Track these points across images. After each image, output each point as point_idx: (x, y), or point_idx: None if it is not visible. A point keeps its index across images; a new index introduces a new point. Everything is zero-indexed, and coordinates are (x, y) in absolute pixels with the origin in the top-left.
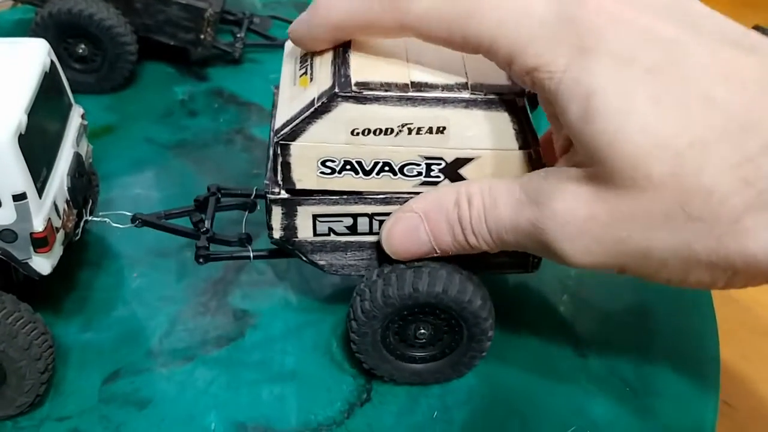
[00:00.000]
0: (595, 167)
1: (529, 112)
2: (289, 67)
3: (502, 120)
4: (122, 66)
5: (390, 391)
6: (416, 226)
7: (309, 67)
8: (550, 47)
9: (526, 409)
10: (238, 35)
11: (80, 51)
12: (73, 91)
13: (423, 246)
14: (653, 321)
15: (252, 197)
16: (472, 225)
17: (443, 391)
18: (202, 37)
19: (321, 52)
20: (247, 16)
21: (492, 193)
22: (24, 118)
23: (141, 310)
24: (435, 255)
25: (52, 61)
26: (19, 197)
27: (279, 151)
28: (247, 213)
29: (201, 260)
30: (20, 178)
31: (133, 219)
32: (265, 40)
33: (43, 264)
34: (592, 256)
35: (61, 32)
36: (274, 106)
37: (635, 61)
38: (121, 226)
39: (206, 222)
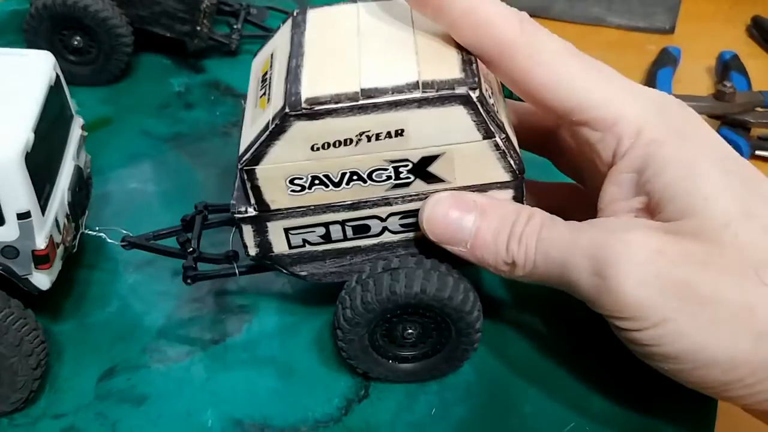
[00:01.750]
0: (681, 220)
1: (486, 102)
2: (253, 87)
3: (459, 114)
4: (118, 58)
5: (388, 388)
6: (467, 212)
7: (268, 87)
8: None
9: (524, 405)
10: (235, 26)
11: (75, 43)
12: (68, 83)
13: (460, 235)
14: None
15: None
16: (522, 234)
17: (441, 387)
18: (198, 28)
19: (278, 71)
20: (244, 7)
21: (555, 218)
22: (31, 137)
23: (136, 306)
24: (460, 251)
25: (57, 75)
26: (23, 216)
27: (246, 177)
28: (234, 229)
29: (189, 281)
30: (25, 197)
31: (123, 240)
32: (262, 32)
33: (42, 280)
34: (645, 290)
35: (56, 24)
36: (241, 123)
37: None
38: (116, 243)
39: (193, 242)
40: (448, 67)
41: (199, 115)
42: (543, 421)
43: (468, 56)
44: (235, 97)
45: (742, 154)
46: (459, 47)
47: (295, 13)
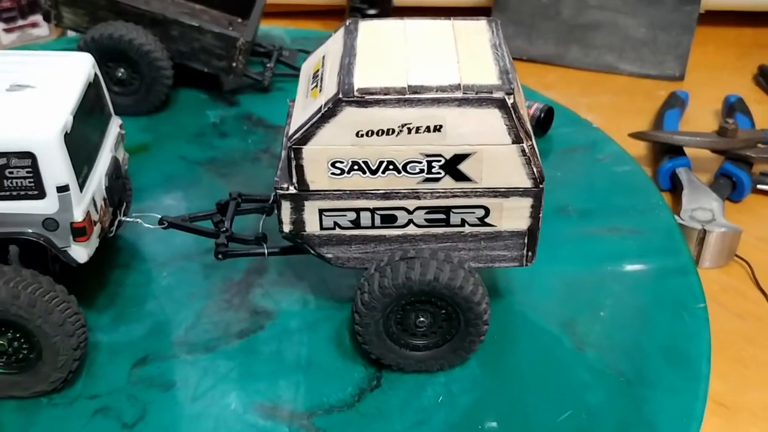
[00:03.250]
0: None
1: (519, 110)
2: (303, 83)
3: (494, 117)
4: (158, 90)
5: (399, 378)
6: None
7: (320, 81)
8: None
9: (526, 396)
10: (268, 65)
11: (120, 74)
12: None
13: None
14: (649, 320)
15: (270, 202)
16: None
17: (448, 379)
18: (234, 65)
19: (331, 67)
20: (277, 48)
21: None
22: (70, 119)
23: (169, 305)
24: None
25: (95, 74)
26: (62, 189)
27: (292, 155)
28: (264, 216)
29: (220, 256)
30: (64, 172)
31: (161, 221)
32: (293, 71)
33: (80, 252)
34: None
35: (103, 56)
36: (288, 116)
37: None
38: (151, 227)
39: (226, 223)
40: (486, 74)
41: (232, 143)
42: (542, 411)
43: (505, 67)
44: (266, 128)
45: (743, 189)
46: (496, 59)
47: (347, 23)
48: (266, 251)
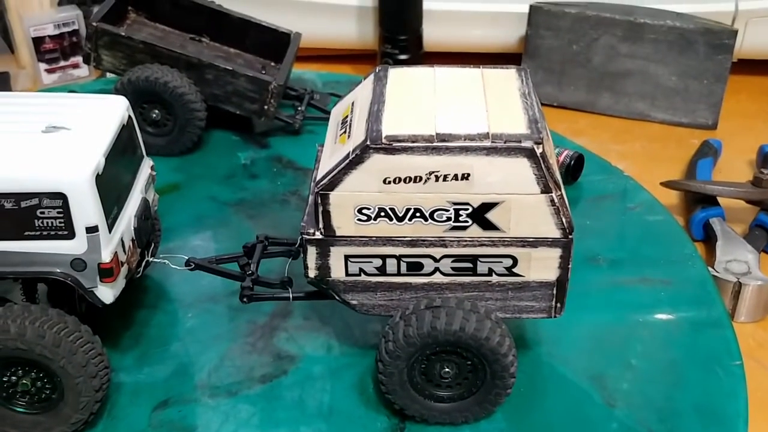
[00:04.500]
0: None
1: (548, 159)
2: (332, 129)
3: (522, 166)
4: (191, 131)
5: (423, 430)
6: None
7: (348, 127)
8: None
9: None
10: (299, 108)
11: (154, 116)
12: (145, 152)
13: None
14: (682, 376)
15: (296, 246)
16: None
17: None
18: (265, 107)
19: (360, 114)
20: (308, 92)
21: None
22: (102, 161)
23: (193, 347)
24: None
25: (129, 116)
26: (91, 229)
27: (319, 201)
28: (290, 260)
29: (245, 299)
30: (94, 213)
31: (187, 263)
32: (324, 114)
33: (106, 293)
34: None
35: (138, 97)
36: (317, 160)
37: None
38: (178, 268)
39: (252, 266)
40: (515, 123)
41: (262, 184)
42: None
43: (534, 116)
44: (296, 170)
45: None
46: (525, 108)
47: (377, 70)
48: (291, 296)
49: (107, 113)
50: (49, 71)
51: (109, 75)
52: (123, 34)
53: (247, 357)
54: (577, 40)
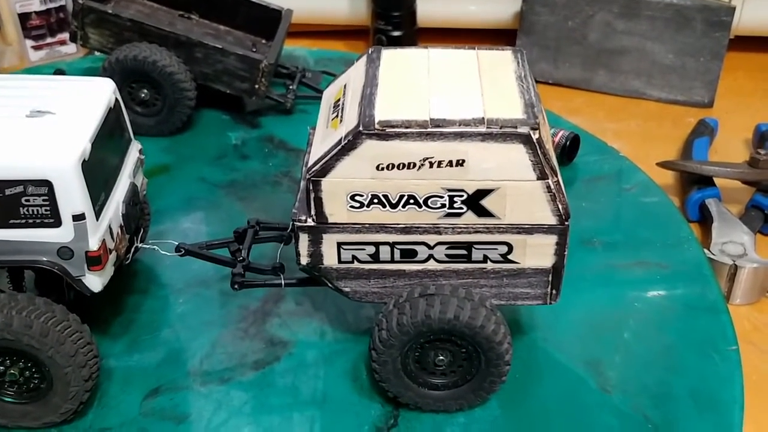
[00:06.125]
0: None
1: (544, 145)
2: (324, 112)
3: (518, 152)
4: (181, 111)
5: (416, 418)
6: None
7: (340, 111)
8: None
9: None
10: (291, 87)
11: (142, 95)
12: (133, 133)
13: None
14: (678, 361)
15: (288, 231)
16: None
17: (468, 420)
18: (256, 86)
19: (352, 98)
20: (300, 70)
21: None
22: (88, 147)
23: (184, 333)
24: None
25: (116, 99)
26: (78, 217)
27: (311, 187)
28: (282, 245)
29: (236, 286)
30: (81, 200)
31: (178, 248)
32: (316, 93)
33: (94, 281)
34: None
35: (126, 76)
36: (308, 144)
37: None
38: (168, 254)
39: (243, 252)
40: (511, 107)
41: (253, 165)
42: None
43: (530, 100)
44: (288, 150)
45: None
46: (521, 92)
47: (370, 51)
48: (283, 282)
49: (93, 97)
50: (35, 48)
51: (96, 53)
52: (110, 11)
53: (240, 343)
54: (572, 17)
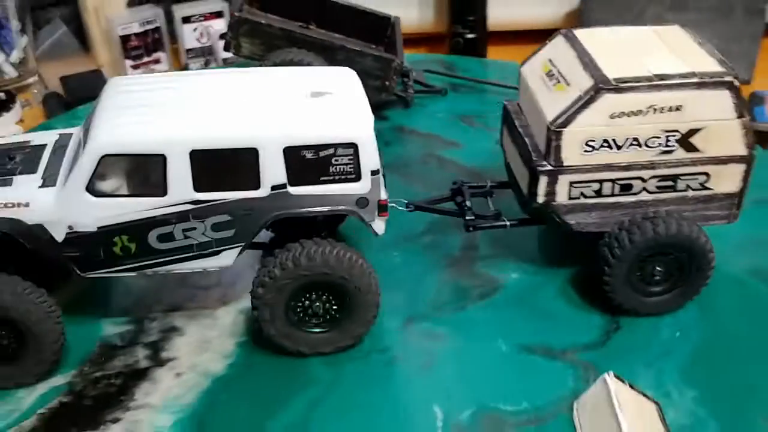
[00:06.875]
0: None
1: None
2: (537, 83)
3: (724, 96)
4: None
5: (634, 322)
6: None
7: (561, 77)
8: None
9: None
10: (409, 84)
11: None
12: None
13: None
14: None
15: (488, 187)
16: None
17: (675, 320)
18: (387, 83)
19: (570, 66)
20: (410, 70)
21: None
22: (373, 117)
23: (408, 279)
24: None
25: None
26: (375, 173)
27: (553, 137)
28: (488, 198)
29: (470, 228)
30: (376, 159)
31: (408, 205)
32: (425, 88)
33: (380, 226)
34: None
35: None
36: (507, 112)
37: None
38: (400, 209)
39: (467, 202)
40: (710, 63)
41: (397, 150)
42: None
43: (720, 58)
44: (420, 136)
45: None
46: (710, 53)
47: (563, 31)
48: (508, 223)
49: (348, 80)
50: (134, 67)
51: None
52: (264, 22)
53: (461, 281)
54: (626, 12)
